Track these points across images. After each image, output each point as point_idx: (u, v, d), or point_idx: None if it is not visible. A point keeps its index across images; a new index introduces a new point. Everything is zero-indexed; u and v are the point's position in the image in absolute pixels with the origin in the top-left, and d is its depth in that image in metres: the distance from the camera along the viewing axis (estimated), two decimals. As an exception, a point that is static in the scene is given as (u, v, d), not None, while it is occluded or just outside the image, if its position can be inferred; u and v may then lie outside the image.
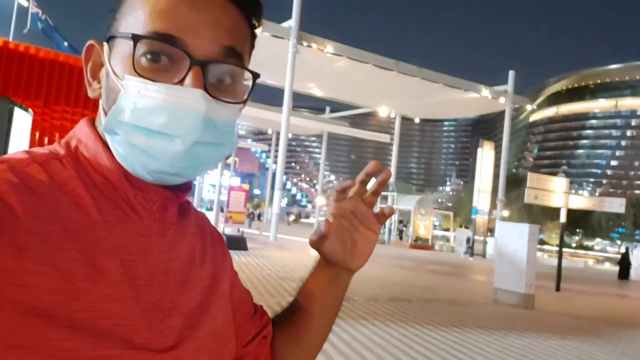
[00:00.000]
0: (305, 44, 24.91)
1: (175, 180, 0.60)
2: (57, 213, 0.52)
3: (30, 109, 4.45)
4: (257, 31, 0.65)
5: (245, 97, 0.62)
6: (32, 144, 5.11)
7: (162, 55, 0.56)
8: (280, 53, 24.00)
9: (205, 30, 0.56)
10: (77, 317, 0.50)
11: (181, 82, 0.55)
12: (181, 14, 0.56)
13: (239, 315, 0.75)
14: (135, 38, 0.55)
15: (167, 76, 0.56)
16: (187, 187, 0.65)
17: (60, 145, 0.60)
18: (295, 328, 0.81)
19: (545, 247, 49.31)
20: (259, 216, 37.94)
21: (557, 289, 14.14)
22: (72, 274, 0.51)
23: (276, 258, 15.10)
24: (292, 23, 24.26)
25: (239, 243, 15.95)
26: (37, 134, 5.99)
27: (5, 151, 3.62)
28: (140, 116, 0.54)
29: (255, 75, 0.62)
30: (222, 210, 19.32)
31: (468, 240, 29.22)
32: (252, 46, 0.64)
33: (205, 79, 0.56)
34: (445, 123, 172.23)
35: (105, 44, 0.60)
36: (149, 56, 0.56)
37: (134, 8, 0.58)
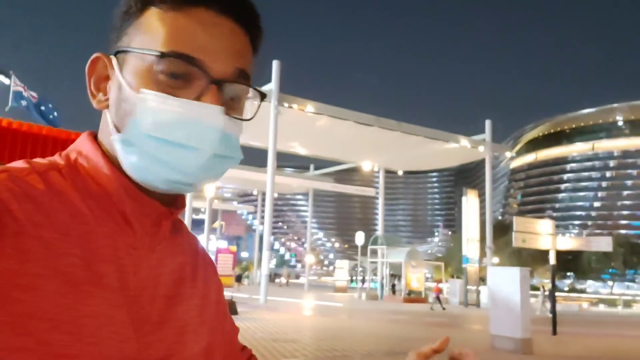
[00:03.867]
0: (286, 104, 25.47)
1: (188, 189, 0.62)
2: (56, 221, 0.54)
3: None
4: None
5: (251, 115, 0.67)
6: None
7: (179, 74, 0.59)
8: (262, 115, 24.40)
9: (221, 53, 0.60)
10: (83, 322, 0.51)
11: (197, 99, 0.59)
12: (199, 37, 0.59)
13: (228, 345, 0.76)
14: (162, 55, 0.58)
15: (183, 93, 0.59)
16: (181, 204, 0.68)
17: (60, 157, 0.62)
18: None
19: (538, 292, 48.87)
20: (240, 278, 37.21)
21: (554, 332, 13.97)
22: (75, 278, 0.52)
23: (268, 320, 14.79)
24: (272, 86, 24.88)
25: (229, 307, 15.63)
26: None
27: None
28: (163, 128, 0.57)
29: (263, 95, 0.67)
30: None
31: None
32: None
33: (220, 97, 0.61)
34: (429, 174, 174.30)
35: (113, 57, 0.63)
36: (167, 73, 0.59)
37: (149, 26, 0.60)
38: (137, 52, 0.60)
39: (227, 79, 0.61)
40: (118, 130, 0.60)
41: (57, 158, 0.62)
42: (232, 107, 0.63)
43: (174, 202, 0.67)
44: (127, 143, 0.59)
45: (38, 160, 0.60)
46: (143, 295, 0.59)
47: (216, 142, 0.58)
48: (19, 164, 0.58)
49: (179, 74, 0.59)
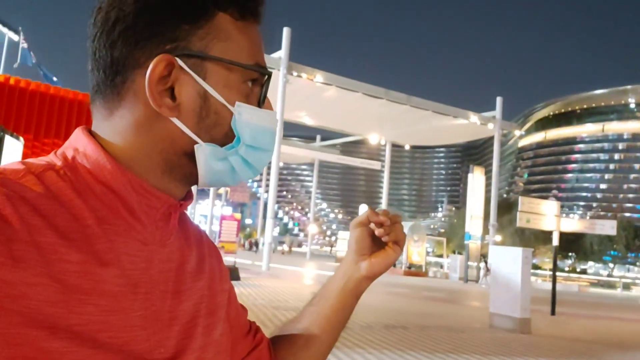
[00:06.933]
0: (295, 74, 25.19)
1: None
2: (54, 224, 0.52)
3: (21, 137, 4.46)
4: None
5: None
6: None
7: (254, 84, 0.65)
8: (271, 83, 24.24)
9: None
10: (76, 330, 0.50)
11: (259, 104, 0.65)
12: (261, 49, 0.66)
13: (235, 330, 0.76)
14: (253, 69, 0.63)
15: (253, 100, 0.64)
16: (189, 196, 0.66)
17: (56, 157, 0.59)
18: (303, 334, 0.84)
19: (539, 271, 49.21)
20: (257, 244, 37.37)
21: (553, 312, 14.06)
22: (68, 285, 0.50)
23: (269, 287, 14.95)
24: (282, 54, 24.58)
25: (231, 273, 15.73)
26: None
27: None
28: (257, 137, 0.63)
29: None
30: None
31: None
32: None
33: None
34: (436, 149, 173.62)
35: (178, 59, 0.58)
36: (249, 84, 0.63)
37: (229, 34, 0.61)
38: (228, 63, 0.61)
39: None
40: (203, 139, 0.60)
41: (52, 158, 0.59)
42: None
43: (183, 194, 0.65)
44: (220, 153, 0.61)
45: (34, 160, 0.57)
46: (154, 292, 0.58)
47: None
48: (15, 165, 0.56)
49: (255, 84, 0.64)
